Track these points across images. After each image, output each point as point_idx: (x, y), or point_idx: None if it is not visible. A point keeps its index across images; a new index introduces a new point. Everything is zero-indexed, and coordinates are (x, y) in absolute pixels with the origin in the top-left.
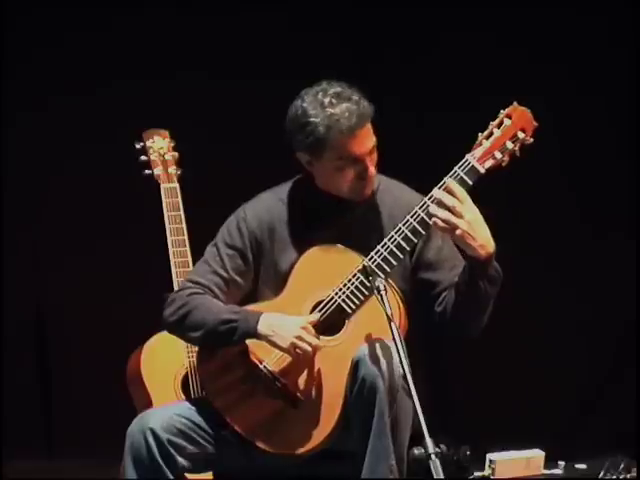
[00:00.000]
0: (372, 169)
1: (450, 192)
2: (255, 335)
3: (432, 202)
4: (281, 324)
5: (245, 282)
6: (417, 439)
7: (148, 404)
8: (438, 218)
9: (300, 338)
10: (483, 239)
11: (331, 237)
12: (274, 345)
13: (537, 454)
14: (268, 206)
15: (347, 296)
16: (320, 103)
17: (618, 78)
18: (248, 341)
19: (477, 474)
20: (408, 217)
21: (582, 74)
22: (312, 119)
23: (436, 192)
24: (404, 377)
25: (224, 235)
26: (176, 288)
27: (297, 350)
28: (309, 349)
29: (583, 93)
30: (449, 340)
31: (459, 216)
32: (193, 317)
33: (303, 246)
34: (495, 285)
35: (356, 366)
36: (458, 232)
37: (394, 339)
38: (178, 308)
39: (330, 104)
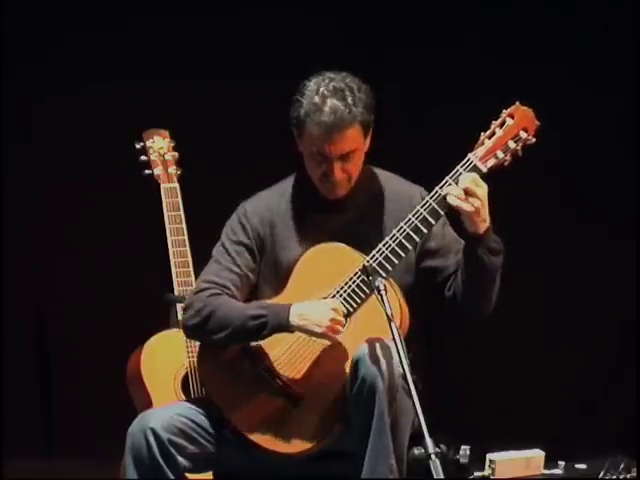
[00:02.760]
0: (338, 174)
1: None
2: (287, 327)
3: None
4: (312, 311)
5: (255, 278)
6: (417, 439)
7: (148, 404)
8: (454, 195)
9: (334, 320)
10: (485, 215)
11: (331, 234)
12: (310, 333)
13: (537, 454)
14: (268, 203)
15: (348, 295)
16: (317, 88)
17: (618, 78)
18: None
19: (477, 474)
20: (410, 216)
21: (582, 74)
22: (302, 98)
23: (446, 187)
24: (404, 377)
25: (228, 233)
26: (176, 288)
27: (334, 332)
28: (341, 330)
29: (583, 93)
30: (455, 328)
31: (474, 195)
32: (217, 318)
33: (303, 243)
34: (498, 255)
35: (356, 365)
36: (470, 209)
37: (394, 339)
38: (199, 310)
39: (322, 94)
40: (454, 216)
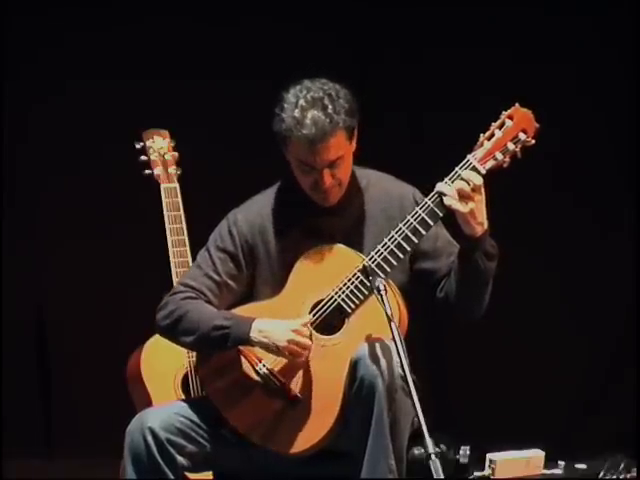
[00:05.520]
0: (329, 181)
1: (466, 179)
2: (248, 341)
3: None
4: (273, 329)
5: (237, 286)
6: (417, 439)
7: (148, 404)
8: (448, 194)
9: (293, 342)
10: (482, 218)
11: (325, 236)
12: (268, 350)
13: (537, 454)
14: (259, 208)
15: (347, 295)
16: (295, 101)
17: (618, 78)
18: (230, 350)
19: (477, 474)
20: (409, 217)
21: (582, 75)
22: (282, 113)
23: (440, 185)
24: (403, 377)
25: (216, 239)
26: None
27: (291, 354)
28: (303, 352)
29: (583, 94)
30: (452, 327)
31: (468, 197)
32: (185, 322)
33: (298, 246)
34: (493, 260)
35: (355, 366)
36: (465, 209)
37: (394, 339)
38: (171, 312)
39: (301, 107)
40: (452, 218)
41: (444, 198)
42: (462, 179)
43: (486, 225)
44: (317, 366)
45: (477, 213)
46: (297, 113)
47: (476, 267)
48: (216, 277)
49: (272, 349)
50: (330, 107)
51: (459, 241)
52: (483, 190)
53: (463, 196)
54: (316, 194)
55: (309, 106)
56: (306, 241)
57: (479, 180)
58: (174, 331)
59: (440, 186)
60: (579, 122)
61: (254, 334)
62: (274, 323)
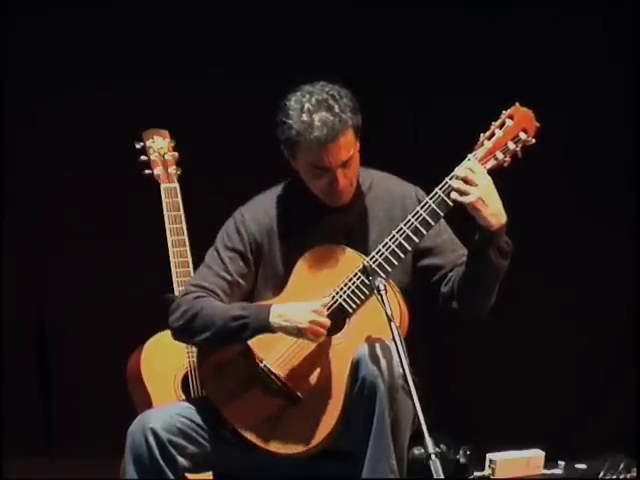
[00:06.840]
0: (343, 181)
1: (468, 167)
2: (268, 327)
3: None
4: (293, 312)
5: (247, 284)
6: (417, 439)
7: (148, 404)
8: (453, 187)
9: (314, 322)
10: (495, 209)
11: (330, 236)
12: (290, 333)
13: (537, 454)
14: (265, 208)
15: (348, 296)
16: (300, 107)
17: (619, 78)
18: (248, 340)
19: (477, 474)
20: (409, 217)
21: (583, 74)
22: (289, 120)
23: (450, 181)
24: (404, 377)
25: (224, 238)
26: (176, 288)
27: (313, 334)
28: (324, 331)
29: (583, 93)
30: (453, 326)
31: (472, 184)
32: (201, 318)
33: (302, 246)
34: (506, 258)
35: (356, 366)
36: (471, 199)
37: (394, 339)
38: (184, 312)
39: (308, 111)
40: (467, 213)
41: (451, 194)
42: (464, 168)
43: (504, 220)
44: (318, 366)
45: (487, 201)
46: (305, 117)
47: (488, 262)
48: (227, 276)
49: (293, 332)
50: (336, 107)
51: (474, 235)
52: (489, 178)
53: (468, 183)
54: (330, 196)
55: (315, 109)
56: (310, 242)
57: (476, 166)
58: (189, 330)
59: (452, 181)
60: (579, 122)
61: (274, 319)
62: (293, 306)
